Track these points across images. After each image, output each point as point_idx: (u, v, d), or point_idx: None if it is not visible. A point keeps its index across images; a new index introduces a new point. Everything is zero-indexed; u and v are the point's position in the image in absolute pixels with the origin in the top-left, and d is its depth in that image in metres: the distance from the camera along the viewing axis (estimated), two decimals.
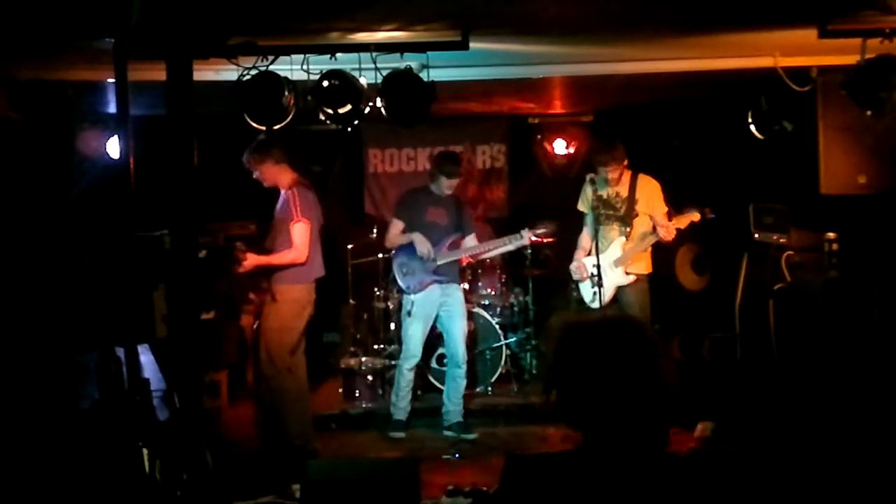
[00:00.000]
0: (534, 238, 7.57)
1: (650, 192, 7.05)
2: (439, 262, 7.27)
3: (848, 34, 5.27)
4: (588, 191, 7.05)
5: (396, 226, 7.38)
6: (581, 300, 7.34)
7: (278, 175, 6.72)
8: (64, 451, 4.30)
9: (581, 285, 7.26)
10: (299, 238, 6.65)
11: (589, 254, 7.10)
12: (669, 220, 6.88)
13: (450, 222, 7.39)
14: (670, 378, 2.30)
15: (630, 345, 2.31)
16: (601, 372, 2.28)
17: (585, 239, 7.28)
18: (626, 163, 7.02)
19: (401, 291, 7.45)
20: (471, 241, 7.57)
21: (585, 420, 2.31)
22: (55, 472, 4.21)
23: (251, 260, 6.52)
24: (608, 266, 6.93)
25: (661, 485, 2.24)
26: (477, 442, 7.17)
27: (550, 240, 8.71)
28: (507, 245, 7.66)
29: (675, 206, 7.06)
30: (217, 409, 6.83)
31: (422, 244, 7.19)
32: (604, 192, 7.08)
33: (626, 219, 7.02)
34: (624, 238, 7.00)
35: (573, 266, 7.28)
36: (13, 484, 4.15)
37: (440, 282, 7.30)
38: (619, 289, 7.04)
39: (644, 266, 7.09)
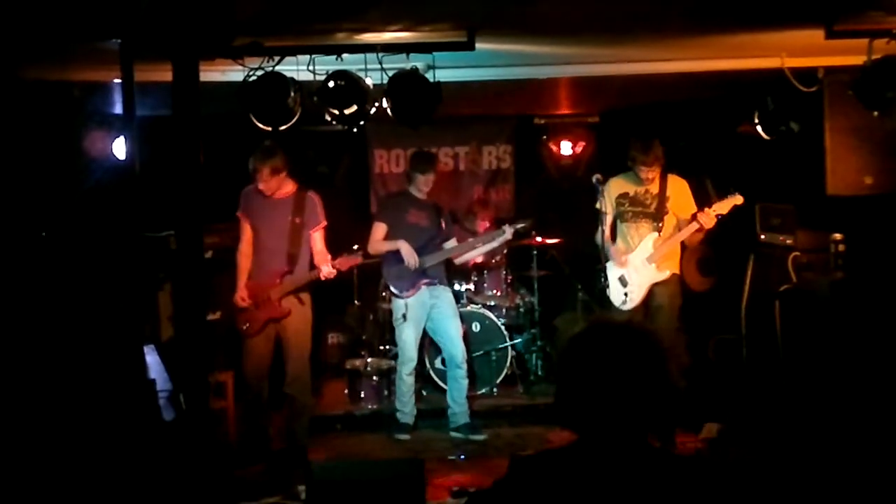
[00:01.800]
0: (518, 231, 7.57)
1: (680, 192, 6.89)
2: (428, 264, 7.27)
3: (854, 35, 5.27)
4: (612, 188, 6.90)
5: (379, 229, 7.32)
6: (602, 300, 7.09)
7: (286, 181, 6.68)
8: (67, 450, 4.31)
9: (610, 288, 6.92)
10: (323, 243, 6.72)
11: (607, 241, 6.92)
12: (693, 220, 6.72)
13: (431, 224, 7.38)
14: (674, 386, 2.30)
15: (635, 354, 2.30)
16: (600, 379, 2.28)
17: (607, 238, 6.94)
18: (663, 162, 6.84)
19: (393, 296, 7.40)
20: (451, 242, 7.58)
21: (586, 420, 2.31)
22: (57, 471, 4.22)
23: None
24: (640, 264, 6.80)
25: (664, 484, 2.24)
26: (483, 443, 7.16)
27: (557, 240, 8.74)
28: (491, 242, 7.65)
29: (702, 201, 6.98)
30: (223, 410, 6.83)
31: (409, 255, 7.16)
32: (630, 189, 6.89)
33: (658, 215, 6.83)
34: (656, 234, 6.81)
35: (615, 255, 6.88)
36: (18, 483, 4.16)
37: (430, 284, 7.30)
38: (653, 287, 6.83)
39: (675, 265, 6.91)
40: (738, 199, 6.70)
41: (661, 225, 6.82)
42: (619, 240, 6.88)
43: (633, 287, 6.79)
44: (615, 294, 6.88)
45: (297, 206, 6.61)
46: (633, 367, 2.27)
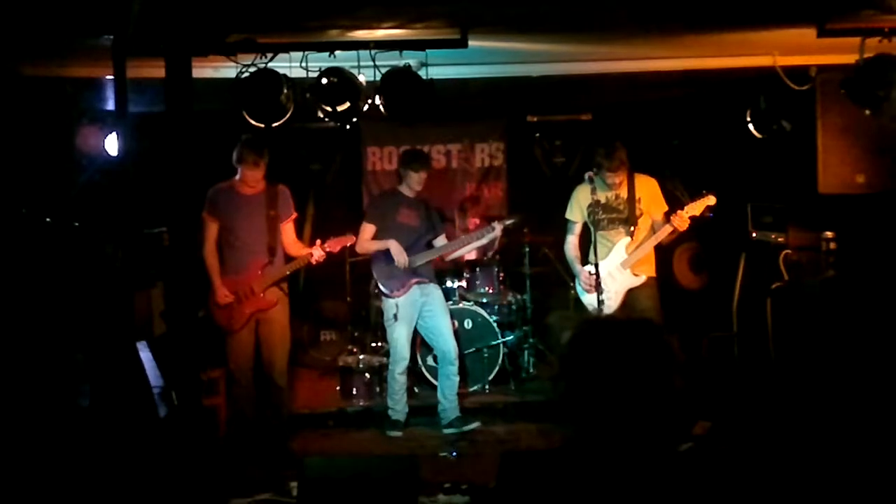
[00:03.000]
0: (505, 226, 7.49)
1: (650, 191, 6.81)
2: (418, 263, 7.26)
3: (846, 33, 5.29)
4: (581, 197, 6.85)
5: (368, 230, 7.27)
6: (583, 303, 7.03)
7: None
8: (62, 449, 4.30)
9: (587, 297, 6.86)
10: (294, 234, 6.81)
11: (584, 263, 6.87)
12: (668, 219, 6.64)
13: (421, 223, 7.35)
14: (676, 384, 2.32)
15: (647, 348, 2.31)
16: (615, 371, 2.28)
17: (576, 248, 6.97)
18: (628, 165, 6.74)
19: (383, 296, 7.39)
20: (440, 240, 7.54)
21: (590, 417, 2.31)
22: (53, 469, 4.22)
23: None
24: (615, 270, 6.70)
25: (658, 482, 2.24)
26: (475, 439, 7.16)
27: (548, 237, 8.75)
28: (481, 239, 7.57)
29: (672, 200, 6.98)
30: (215, 407, 6.83)
31: (399, 254, 7.14)
32: (601, 197, 6.77)
33: (631, 219, 6.74)
34: (629, 238, 6.73)
35: (582, 278, 6.85)
36: (12, 483, 4.15)
37: (420, 282, 7.29)
38: (631, 292, 6.74)
39: (651, 268, 6.83)
40: (710, 200, 6.60)
41: (633, 229, 6.74)
42: (600, 248, 6.72)
43: (609, 294, 6.65)
44: (590, 301, 6.78)
45: (271, 200, 6.62)
46: (641, 363, 2.28)
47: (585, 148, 9.59)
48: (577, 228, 6.94)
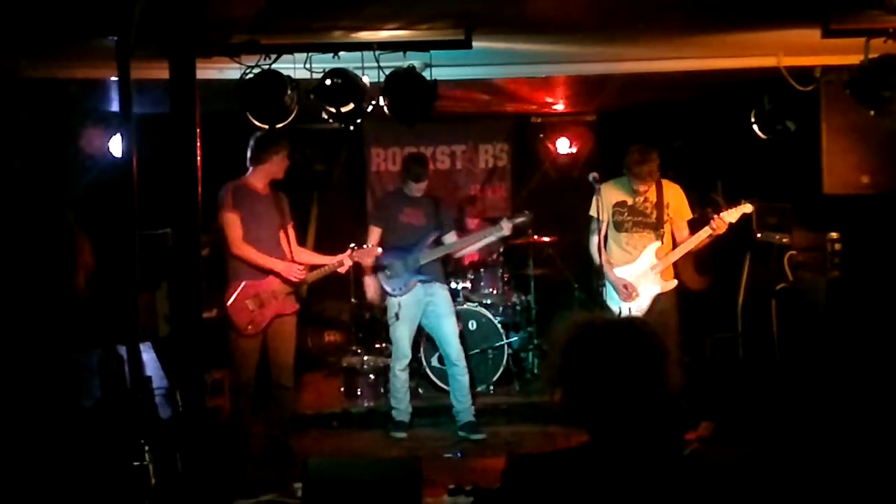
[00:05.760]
0: (514, 226, 7.41)
1: (677, 197, 6.71)
2: (422, 262, 7.26)
3: (851, 34, 5.28)
4: (607, 194, 6.62)
5: (374, 233, 7.30)
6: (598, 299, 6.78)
7: None
8: (66, 450, 4.30)
9: (612, 299, 6.66)
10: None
11: (606, 265, 6.62)
12: (691, 227, 6.61)
13: (427, 222, 7.34)
14: (674, 382, 2.32)
15: (638, 348, 2.31)
16: (608, 372, 2.29)
17: (602, 250, 6.65)
18: (657, 176, 6.63)
19: (386, 295, 7.39)
20: (450, 237, 7.50)
21: (590, 419, 2.32)
22: (56, 470, 4.22)
23: None
24: (643, 274, 6.61)
25: (663, 483, 2.24)
26: (480, 441, 7.16)
27: (553, 238, 8.74)
28: (489, 237, 7.52)
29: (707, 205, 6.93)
30: (219, 408, 6.83)
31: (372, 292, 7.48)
32: (629, 199, 6.67)
33: (659, 224, 6.61)
34: (659, 243, 6.62)
35: (620, 289, 6.65)
36: (14, 483, 4.16)
37: (424, 282, 7.29)
38: (657, 296, 6.65)
39: (672, 271, 6.75)
40: (747, 208, 6.53)
41: (662, 232, 6.63)
42: (616, 249, 6.70)
43: (639, 301, 6.61)
44: (618, 305, 6.66)
45: (278, 203, 6.58)
46: (637, 365, 2.28)
47: (590, 148, 9.62)
48: (603, 227, 6.67)
